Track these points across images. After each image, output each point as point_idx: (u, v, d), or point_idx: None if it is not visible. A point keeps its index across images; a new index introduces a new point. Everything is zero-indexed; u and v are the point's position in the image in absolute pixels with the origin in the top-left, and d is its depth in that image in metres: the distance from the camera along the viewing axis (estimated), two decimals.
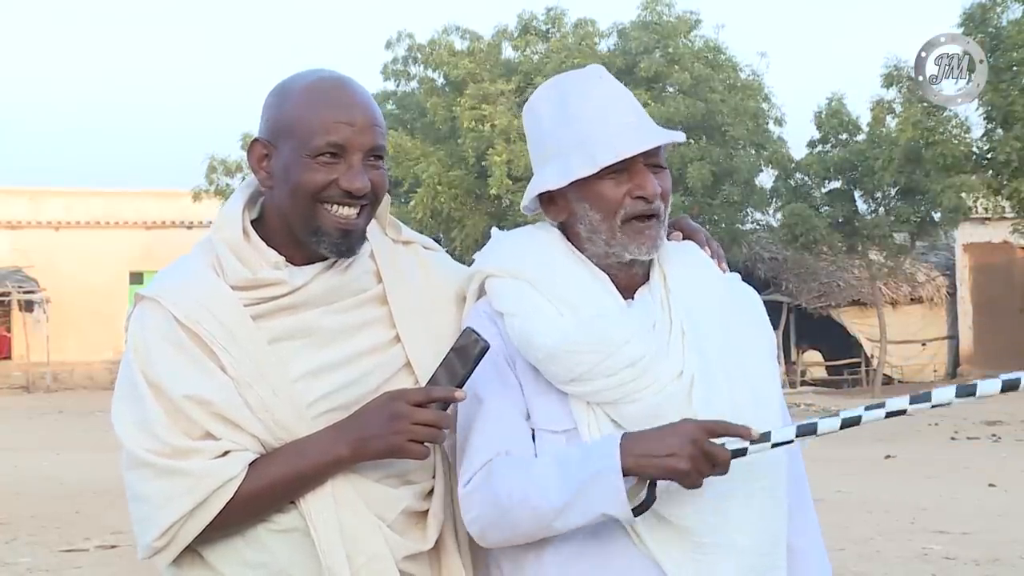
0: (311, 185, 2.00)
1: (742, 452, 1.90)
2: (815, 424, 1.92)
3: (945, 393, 1.89)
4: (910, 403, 1.91)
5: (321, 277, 2.06)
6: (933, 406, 1.89)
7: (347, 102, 2.04)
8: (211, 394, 1.96)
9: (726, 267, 2.21)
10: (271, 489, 1.96)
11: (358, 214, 2.04)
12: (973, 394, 1.89)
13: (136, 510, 1.99)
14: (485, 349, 1.95)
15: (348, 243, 2.04)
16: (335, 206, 2.02)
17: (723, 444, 1.89)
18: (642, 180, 2.04)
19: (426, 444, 1.95)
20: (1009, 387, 1.87)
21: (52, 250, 32.03)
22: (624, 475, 1.88)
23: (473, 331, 1.97)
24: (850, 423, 1.91)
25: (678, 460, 1.86)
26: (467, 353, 1.95)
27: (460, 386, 1.95)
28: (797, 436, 1.92)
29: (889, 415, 1.91)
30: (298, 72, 2.12)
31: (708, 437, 1.88)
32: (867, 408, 1.92)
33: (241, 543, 1.99)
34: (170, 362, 1.98)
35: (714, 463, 1.88)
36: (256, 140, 2.08)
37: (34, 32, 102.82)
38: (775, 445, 1.91)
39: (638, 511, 1.91)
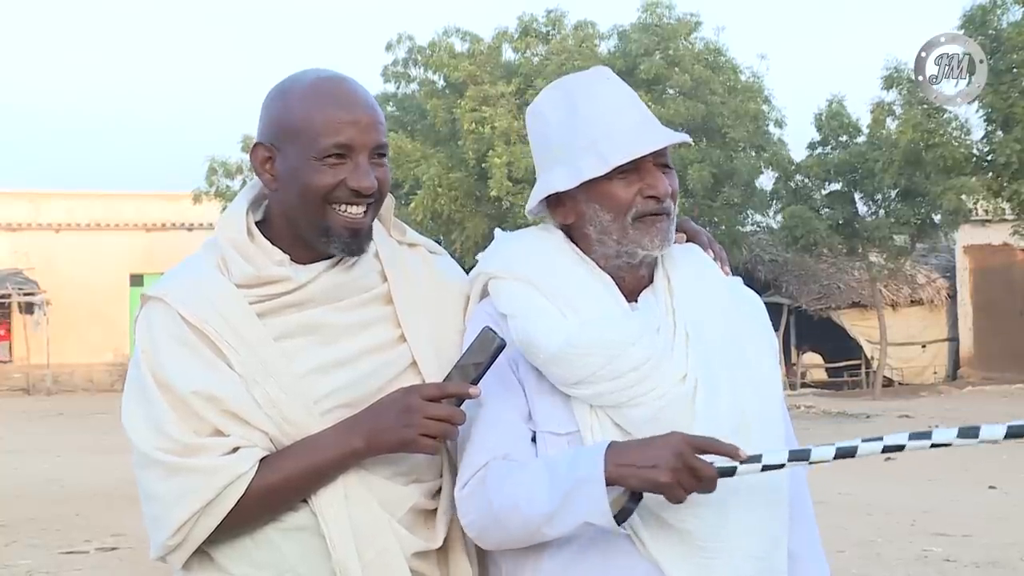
0: (320, 187, 2.01)
1: (730, 472, 1.87)
2: (808, 451, 1.90)
3: (946, 434, 1.86)
4: (908, 439, 1.89)
5: (325, 275, 2.07)
6: (932, 446, 1.87)
7: (350, 101, 2.04)
8: (220, 390, 1.96)
9: (728, 270, 2.21)
10: (286, 483, 1.96)
11: (365, 212, 2.05)
12: (976, 436, 1.86)
13: (149, 509, 2.00)
14: (502, 347, 1.96)
15: (358, 242, 2.06)
16: (344, 206, 2.02)
17: (712, 462, 1.87)
18: (653, 180, 2.04)
19: (438, 439, 1.95)
20: (1013, 434, 1.84)
21: (52, 252, 31.95)
22: (608, 484, 1.87)
23: (490, 329, 1.98)
24: (845, 454, 1.88)
25: (660, 472, 1.85)
26: (483, 349, 1.96)
27: (476, 382, 1.95)
28: (789, 461, 1.90)
29: (886, 450, 1.88)
30: (296, 72, 2.11)
31: (694, 452, 1.87)
32: (864, 440, 1.89)
33: (250, 543, 2.00)
34: (178, 360, 1.99)
35: (699, 478, 1.86)
36: (258, 144, 2.08)
37: (34, 34, 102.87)
38: (765, 468, 1.88)
39: (620, 518, 1.89)
